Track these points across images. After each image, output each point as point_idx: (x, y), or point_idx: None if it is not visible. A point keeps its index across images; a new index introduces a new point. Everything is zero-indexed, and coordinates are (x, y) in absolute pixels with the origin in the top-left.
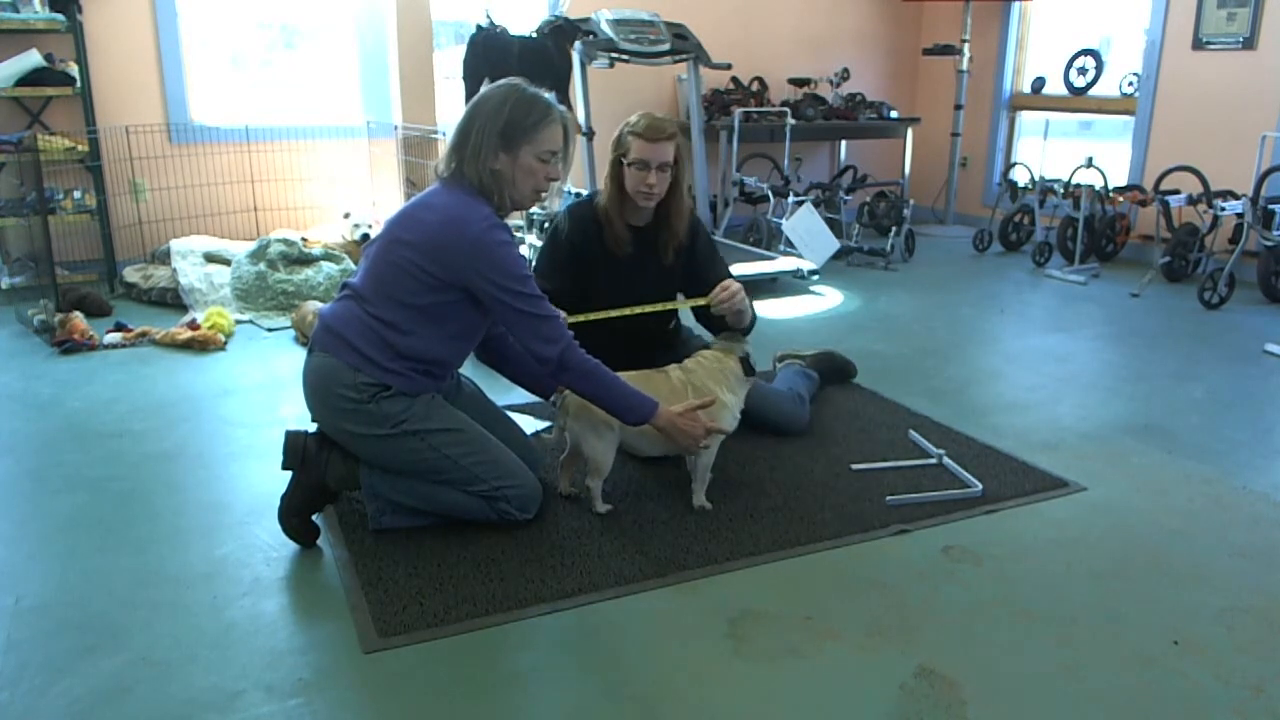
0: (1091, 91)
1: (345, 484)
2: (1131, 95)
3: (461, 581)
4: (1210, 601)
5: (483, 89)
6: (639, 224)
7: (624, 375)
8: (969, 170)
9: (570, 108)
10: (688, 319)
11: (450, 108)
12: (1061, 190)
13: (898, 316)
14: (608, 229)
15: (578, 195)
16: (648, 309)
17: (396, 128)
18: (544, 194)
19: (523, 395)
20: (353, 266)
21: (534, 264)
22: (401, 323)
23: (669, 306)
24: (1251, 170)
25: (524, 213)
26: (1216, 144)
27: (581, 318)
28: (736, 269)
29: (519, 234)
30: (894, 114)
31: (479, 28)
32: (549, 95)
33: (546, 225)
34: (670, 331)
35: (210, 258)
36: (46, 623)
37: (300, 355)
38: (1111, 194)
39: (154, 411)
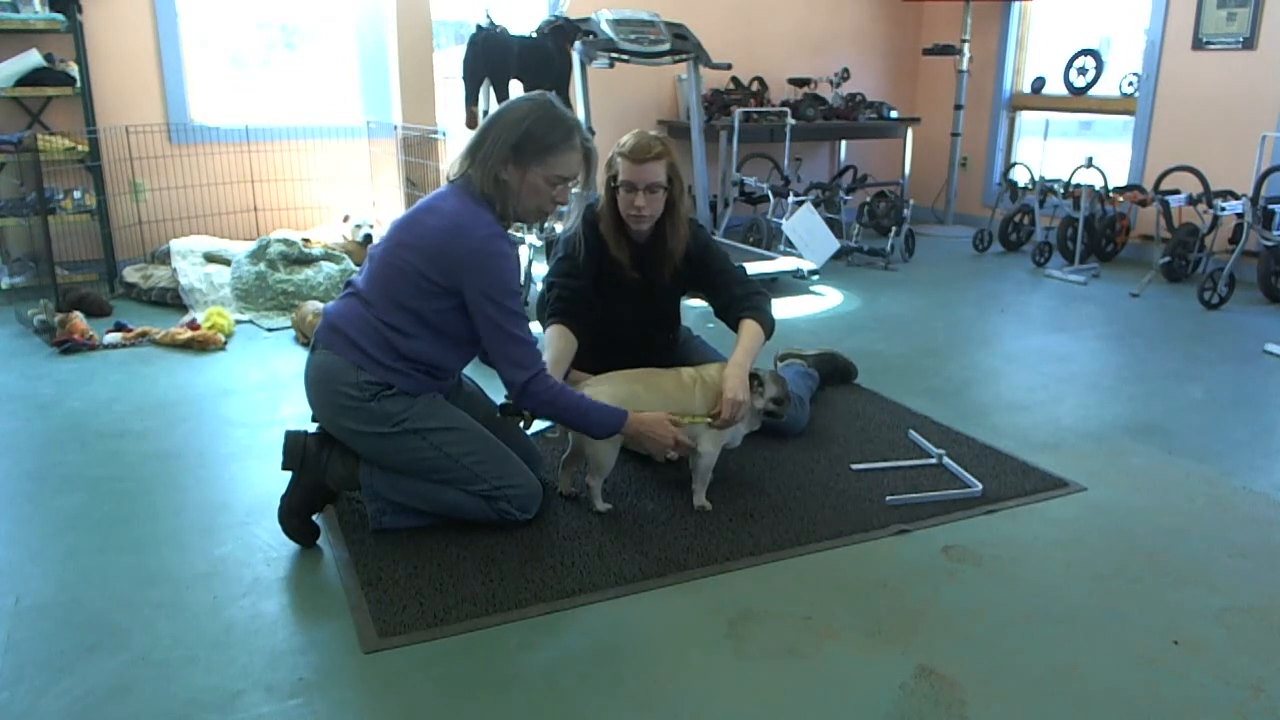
0: (1091, 91)
1: (345, 484)
2: (1131, 95)
3: (461, 581)
4: (1210, 601)
5: (513, 98)
6: (639, 241)
7: (632, 373)
8: (969, 170)
9: (570, 108)
10: (686, 319)
11: (450, 108)
12: (1061, 190)
13: (898, 316)
14: (608, 251)
15: None
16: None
17: (396, 128)
18: (548, 213)
19: None
20: (353, 267)
21: (559, 257)
22: (404, 326)
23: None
24: (1251, 170)
25: None
26: (1216, 144)
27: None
28: None
29: (519, 232)
30: (894, 114)
31: (479, 28)
32: (576, 118)
33: (547, 225)
34: (671, 340)
35: (210, 258)
36: (46, 623)
37: (300, 355)
38: (1111, 194)
39: (154, 411)
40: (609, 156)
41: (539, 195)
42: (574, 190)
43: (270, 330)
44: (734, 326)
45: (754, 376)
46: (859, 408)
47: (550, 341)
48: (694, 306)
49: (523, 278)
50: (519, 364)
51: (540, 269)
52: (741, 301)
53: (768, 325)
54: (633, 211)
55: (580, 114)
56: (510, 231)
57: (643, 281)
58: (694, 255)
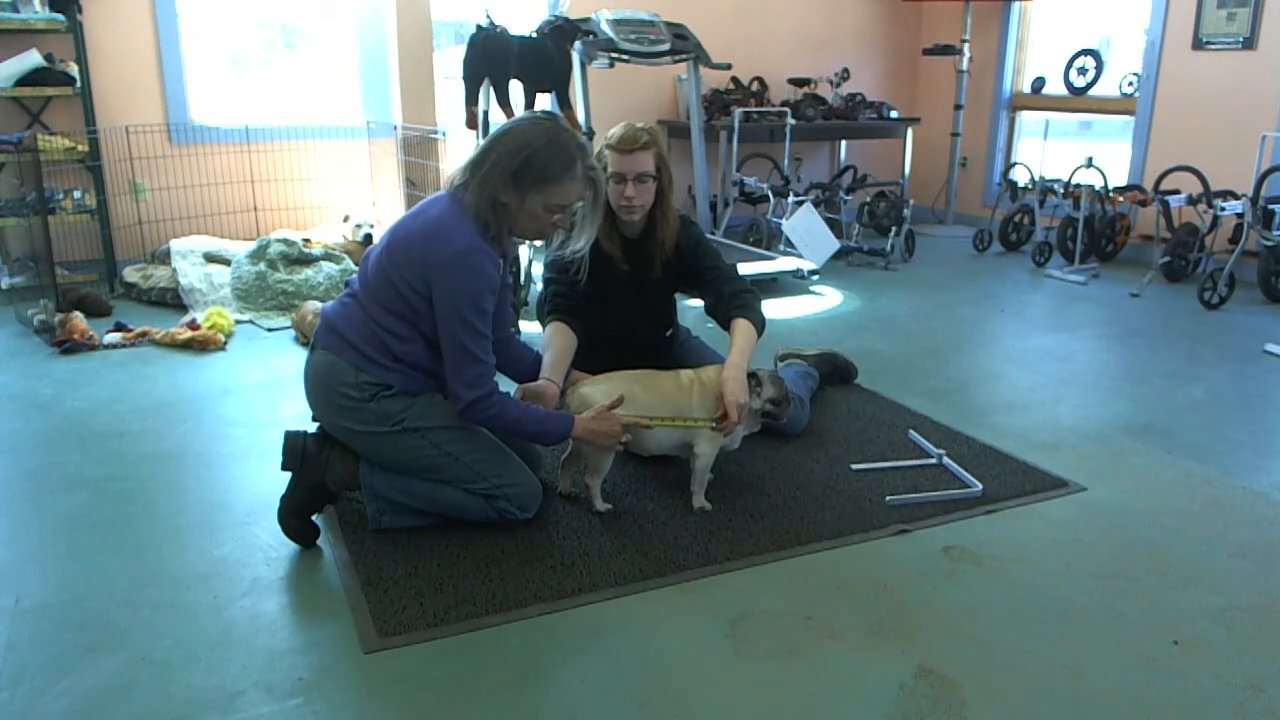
0: (1091, 91)
1: (345, 484)
2: (1131, 95)
3: (461, 581)
4: (1210, 601)
5: (520, 116)
6: (630, 236)
7: (630, 374)
8: (969, 170)
9: (570, 107)
10: (685, 319)
11: (450, 108)
12: (1061, 190)
13: (898, 316)
14: (600, 244)
15: None
16: (659, 420)
17: (396, 128)
18: (547, 237)
19: None
20: (353, 266)
21: (548, 262)
22: (397, 330)
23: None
24: (1251, 170)
25: None
26: (1216, 144)
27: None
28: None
29: (519, 240)
30: (894, 114)
31: (479, 28)
32: (582, 143)
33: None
34: (668, 340)
35: (210, 258)
36: (46, 623)
37: (300, 355)
38: (1111, 194)
39: (154, 411)
40: (597, 151)
41: (537, 221)
42: (583, 212)
43: (270, 330)
44: (725, 325)
45: (752, 376)
46: (859, 408)
47: (550, 340)
48: (693, 307)
49: (522, 278)
50: (470, 383)
51: (540, 269)
52: (731, 300)
53: (759, 324)
54: (623, 202)
55: (580, 114)
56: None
57: (634, 274)
58: (685, 251)
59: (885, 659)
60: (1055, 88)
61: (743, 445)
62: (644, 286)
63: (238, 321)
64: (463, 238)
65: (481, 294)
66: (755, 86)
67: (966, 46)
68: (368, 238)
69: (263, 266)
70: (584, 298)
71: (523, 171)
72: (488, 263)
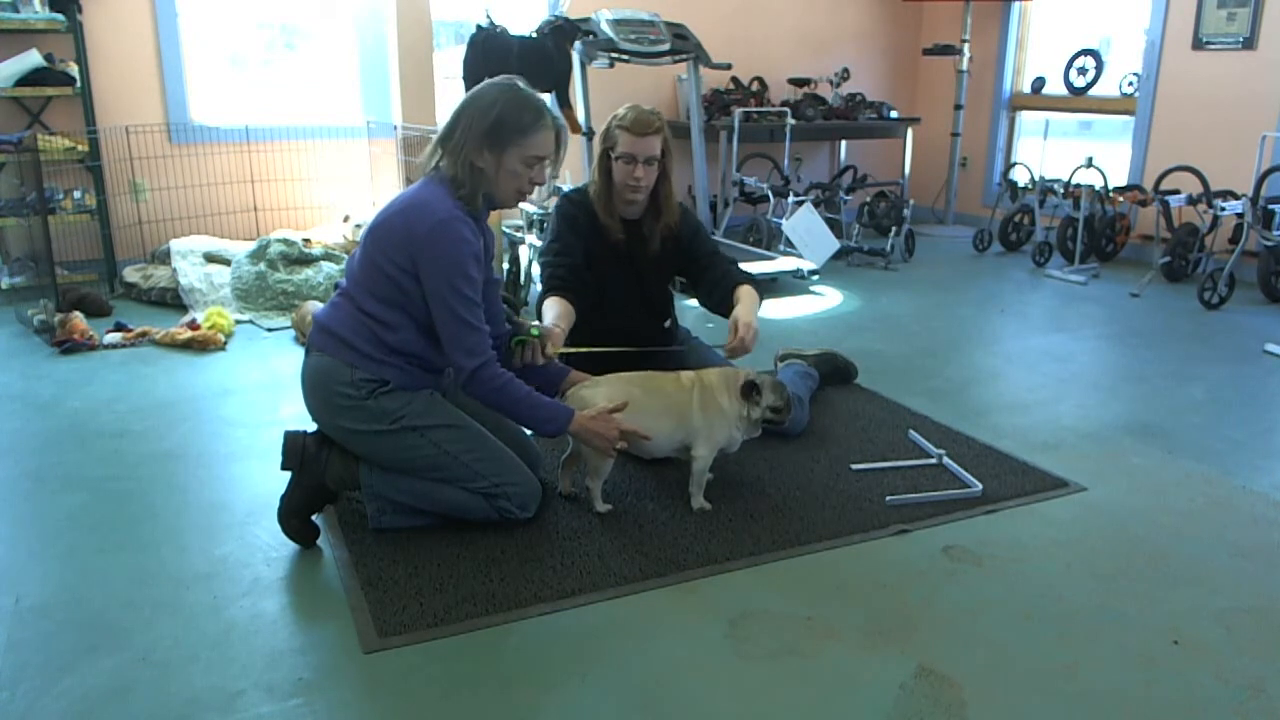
0: (1091, 91)
1: (344, 484)
2: (1131, 95)
3: (461, 581)
4: (1210, 601)
5: (480, 85)
6: (630, 217)
7: (630, 375)
8: (969, 170)
9: (570, 107)
10: (685, 320)
11: (450, 108)
12: (1061, 190)
13: (898, 316)
14: (600, 219)
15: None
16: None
17: (396, 128)
18: (526, 194)
19: None
20: None
21: (547, 243)
22: (387, 319)
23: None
24: (1251, 170)
25: (521, 211)
26: (1216, 144)
27: (571, 349)
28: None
29: (519, 233)
30: (894, 114)
31: (479, 28)
32: (544, 98)
33: (545, 223)
34: (667, 331)
35: (210, 258)
36: (46, 623)
37: (300, 355)
38: (1111, 194)
39: (154, 411)
40: (605, 128)
41: (517, 178)
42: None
43: (270, 330)
44: (725, 297)
45: (753, 384)
46: (859, 408)
47: (548, 309)
48: (693, 306)
49: (522, 278)
50: (470, 351)
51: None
52: (734, 275)
53: (759, 295)
54: (631, 182)
55: (580, 114)
56: (509, 230)
57: (630, 253)
58: (684, 237)
59: (885, 659)
60: (1055, 88)
61: (742, 446)
62: (639, 266)
63: (238, 321)
64: (441, 208)
65: (466, 260)
66: (755, 86)
67: (966, 46)
68: None
69: (263, 266)
70: (580, 278)
71: (496, 129)
72: (467, 230)
